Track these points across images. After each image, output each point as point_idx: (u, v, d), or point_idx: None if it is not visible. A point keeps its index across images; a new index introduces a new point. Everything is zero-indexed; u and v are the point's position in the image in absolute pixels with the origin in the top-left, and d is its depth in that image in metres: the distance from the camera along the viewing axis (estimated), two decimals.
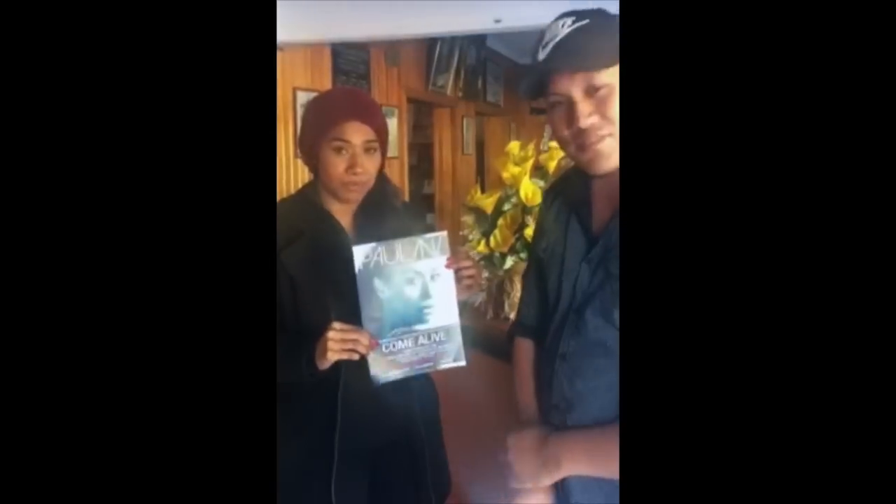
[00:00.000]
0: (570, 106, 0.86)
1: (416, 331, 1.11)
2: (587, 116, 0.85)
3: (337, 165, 1.18)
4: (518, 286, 1.92)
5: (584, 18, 0.86)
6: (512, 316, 1.92)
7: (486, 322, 1.99)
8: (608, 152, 0.87)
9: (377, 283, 1.09)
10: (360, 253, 1.09)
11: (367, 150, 1.20)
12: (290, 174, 3.01)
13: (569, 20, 0.86)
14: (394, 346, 1.11)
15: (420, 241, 1.11)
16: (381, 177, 1.28)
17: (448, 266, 1.12)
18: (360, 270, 1.09)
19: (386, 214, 1.26)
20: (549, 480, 0.93)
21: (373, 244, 1.09)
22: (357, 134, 1.18)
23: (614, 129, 0.85)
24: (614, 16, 0.87)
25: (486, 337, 1.89)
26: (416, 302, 1.11)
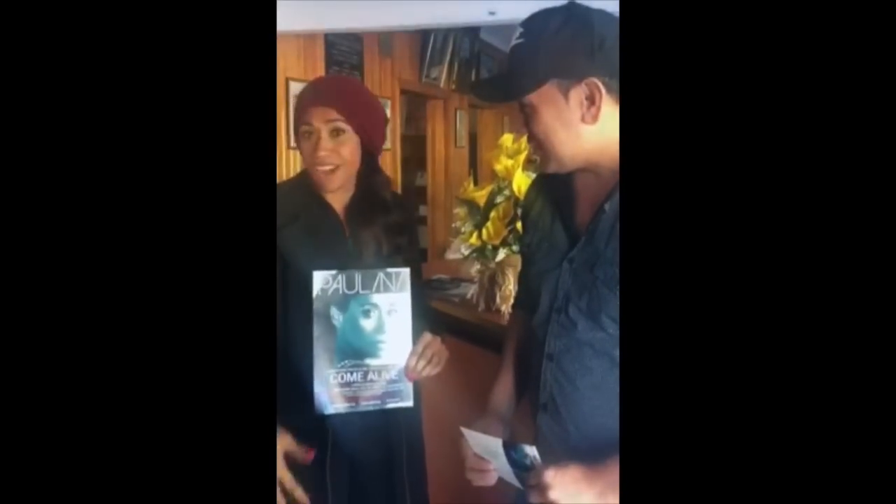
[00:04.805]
0: (532, 111, 0.88)
1: (366, 365, 1.10)
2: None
3: (305, 151, 1.18)
4: (510, 278, 1.93)
5: (521, 37, 0.86)
6: (503, 308, 1.93)
7: (478, 314, 1.99)
8: (544, 161, 0.92)
9: (333, 310, 1.08)
10: (319, 279, 1.08)
11: (334, 132, 1.16)
12: (284, 163, 3.00)
13: (518, 32, 0.87)
14: (342, 377, 1.09)
15: (381, 274, 1.10)
16: (371, 166, 1.25)
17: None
18: (317, 296, 1.07)
19: (376, 206, 1.24)
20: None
21: (333, 271, 1.09)
22: (318, 117, 1.15)
23: (541, 145, 0.90)
24: (581, 12, 0.86)
25: (478, 328, 1.90)
26: (371, 335, 1.10)
